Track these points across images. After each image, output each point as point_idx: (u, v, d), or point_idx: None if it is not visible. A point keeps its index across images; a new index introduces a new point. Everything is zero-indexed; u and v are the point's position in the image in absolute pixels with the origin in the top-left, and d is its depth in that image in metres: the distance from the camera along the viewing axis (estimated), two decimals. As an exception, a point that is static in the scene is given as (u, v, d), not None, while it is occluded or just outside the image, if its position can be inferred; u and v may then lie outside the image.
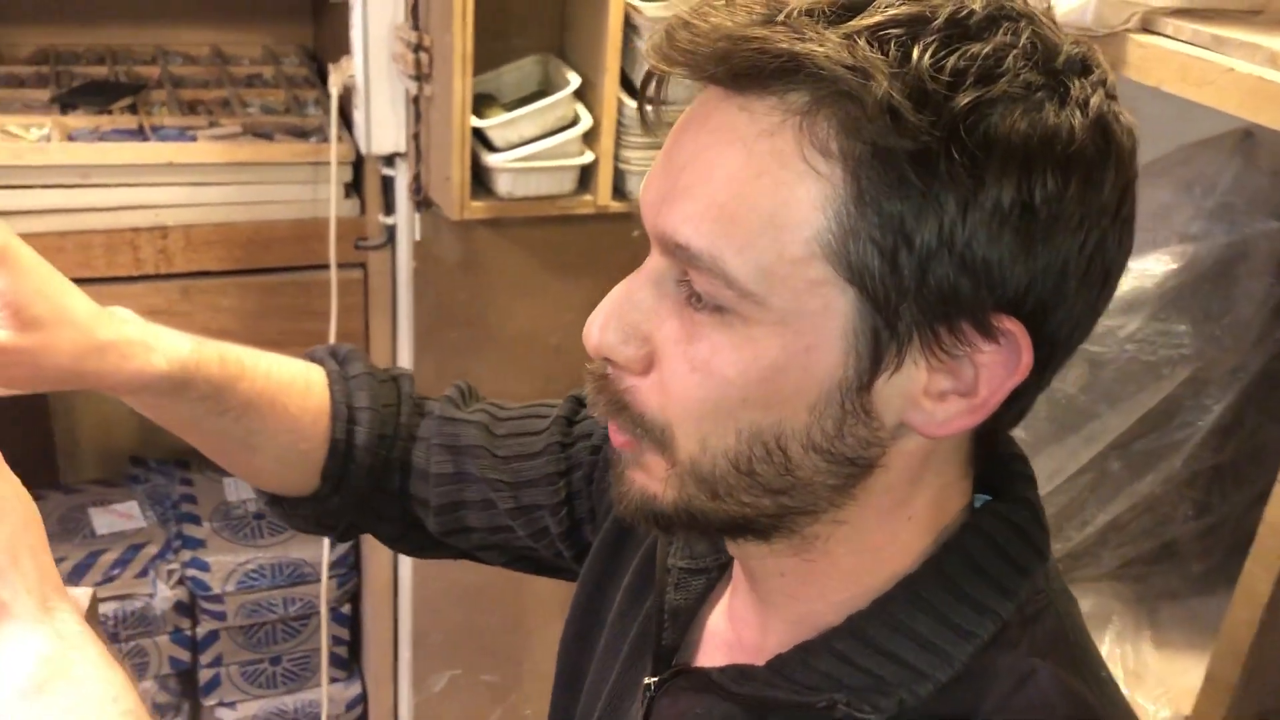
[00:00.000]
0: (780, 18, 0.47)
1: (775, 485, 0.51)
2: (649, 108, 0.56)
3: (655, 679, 0.64)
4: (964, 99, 0.45)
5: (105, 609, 1.79)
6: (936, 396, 0.49)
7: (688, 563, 0.66)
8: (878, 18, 0.46)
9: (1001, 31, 0.47)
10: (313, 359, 0.81)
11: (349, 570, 1.94)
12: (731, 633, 0.63)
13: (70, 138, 1.47)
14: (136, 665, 1.86)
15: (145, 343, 0.68)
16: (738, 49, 0.47)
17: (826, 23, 0.46)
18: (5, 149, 1.39)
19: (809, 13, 0.47)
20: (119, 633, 1.81)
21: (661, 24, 0.50)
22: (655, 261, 0.52)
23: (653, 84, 0.55)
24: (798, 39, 0.46)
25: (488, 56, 1.41)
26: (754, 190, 0.47)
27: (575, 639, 0.75)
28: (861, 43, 0.45)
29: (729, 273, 0.48)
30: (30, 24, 1.77)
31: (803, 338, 0.48)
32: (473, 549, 0.83)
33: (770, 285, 0.48)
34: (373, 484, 0.80)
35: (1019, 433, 1.12)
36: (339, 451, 0.78)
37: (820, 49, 0.45)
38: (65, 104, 1.55)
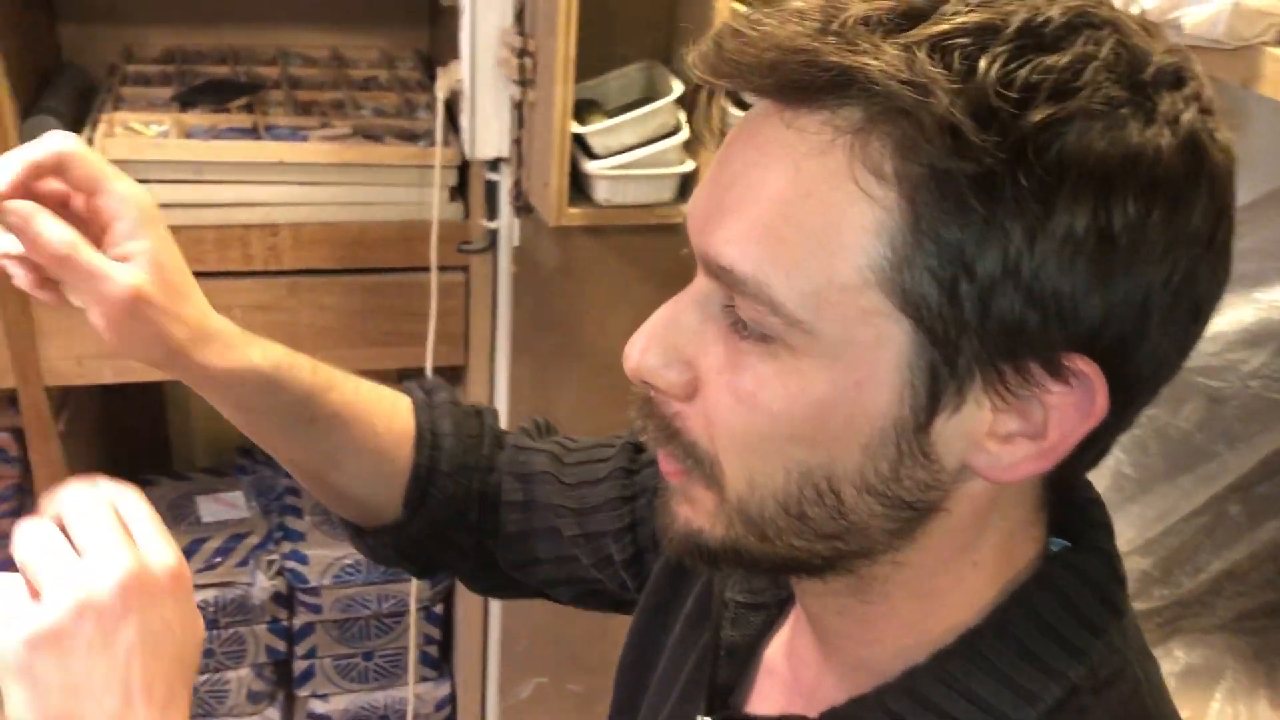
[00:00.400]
0: (834, 27, 0.43)
1: (828, 530, 0.48)
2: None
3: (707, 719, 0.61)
4: (1035, 116, 0.41)
5: (206, 595, 1.83)
6: (1002, 438, 0.46)
7: (746, 597, 0.63)
8: (941, 26, 0.42)
9: (1081, 41, 0.43)
10: (401, 390, 0.82)
11: (442, 571, 1.95)
12: (789, 672, 0.60)
13: (187, 135, 1.52)
14: (234, 653, 1.90)
15: (245, 337, 0.71)
16: (786, 61, 0.43)
17: (884, 32, 0.43)
18: (124, 144, 1.44)
19: (865, 21, 0.43)
20: (218, 619, 1.86)
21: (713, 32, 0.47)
22: (701, 283, 0.49)
23: (703, 96, 0.52)
24: (850, 51, 0.42)
25: (594, 63, 1.40)
26: (802, 212, 0.44)
27: (633, 665, 0.73)
28: (921, 55, 0.42)
29: (775, 298, 0.45)
30: (161, 25, 1.84)
31: (853, 371, 0.45)
32: (541, 583, 0.82)
33: (819, 312, 0.44)
34: (452, 513, 0.79)
35: (1127, 469, 1.06)
36: (421, 476, 0.78)
37: (874, 62, 0.42)
38: (185, 102, 1.60)
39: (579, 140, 1.38)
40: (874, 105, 0.42)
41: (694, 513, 0.51)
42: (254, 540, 1.92)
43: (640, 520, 0.76)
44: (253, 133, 1.55)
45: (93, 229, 0.65)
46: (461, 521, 0.80)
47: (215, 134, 1.53)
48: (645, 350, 0.50)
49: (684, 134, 1.37)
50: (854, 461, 0.46)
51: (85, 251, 0.62)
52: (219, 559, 1.88)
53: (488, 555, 0.81)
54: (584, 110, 1.43)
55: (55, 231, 0.61)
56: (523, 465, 0.80)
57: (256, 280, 1.57)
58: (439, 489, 0.78)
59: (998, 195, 0.41)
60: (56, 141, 0.63)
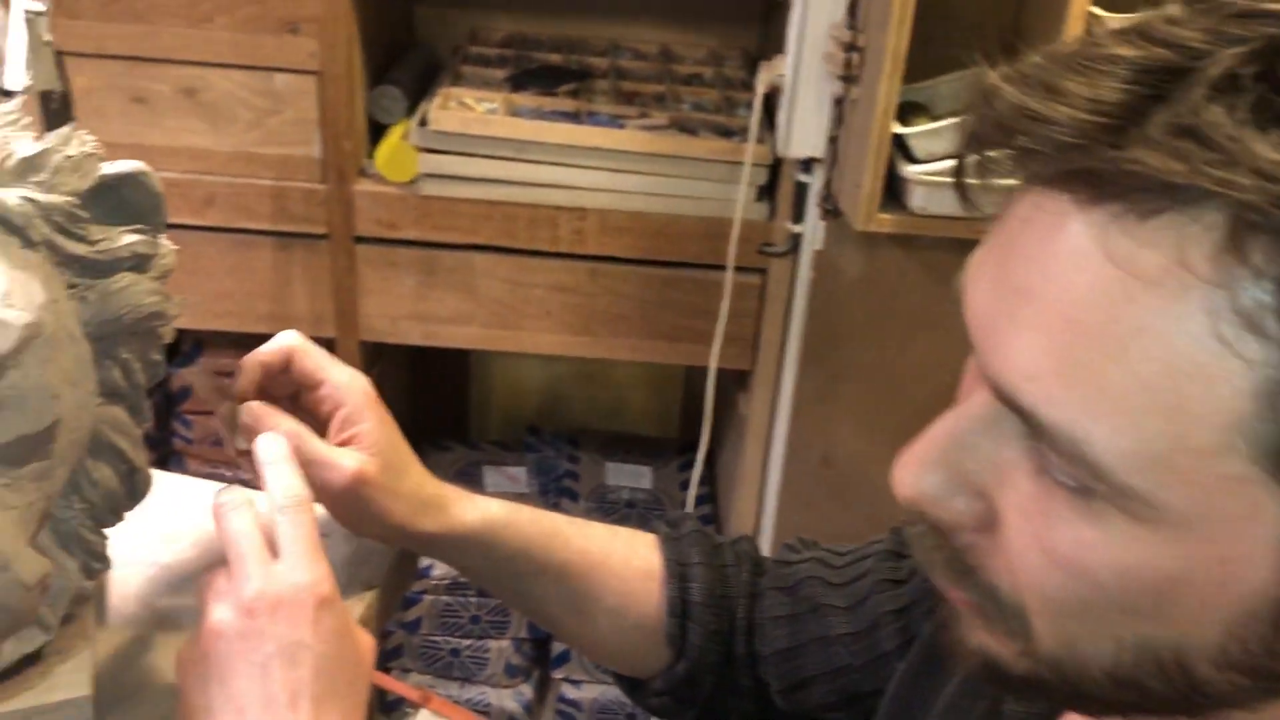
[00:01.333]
0: (1172, 107, 0.32)
1: (1170, 698, 0.39)
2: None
3: None
4: None
5: (478, 563, 1.88)
6: None
7: None
8: None
9: None
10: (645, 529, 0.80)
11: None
12: None
13: (514, 114, 1.56)
14: (499, 623, 1.94)
15: (461, 499, 0.71)
16: (1096, 167, 0.33)
17: (1253, 103, 0.31)
18: (454, 116, 1.50)
19: (1223, 86, 0.31)
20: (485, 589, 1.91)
21: (985, 83, 0.36)
22: (989, 401, 0.39)
23: (968, 160, 0.40)
24: (1205, 157, 0.31)
25: (927, 65, 1.32)
26: (1136, 353, 0.33)
27: None
28: None
29: (1096, 459, 0.35)
30: (507, 10, 1.92)
31: (1213, 547, 0.35)
32: (818, 709, 0.75)
33: (1161, 479, 0.34)
34: (718, 648, 0.75)
35: None
36: (676, 611, 0.74)
37: (1243, 180, 0.30)
38: (517, 83, 1.64)
39: (899, 144, 1.30)
40: (1236, 224, 0.31)
41: (993, 641, 0.42)
42: (529, 517, 1.95)
43: (914, 602, 0.68)
44: (574, 117, 1.58)
45: (320, 417, 0.68)
46: (730, 658, 0.75)
47: (539, 115, 1.57)
48: (922, 477, 0.41)
49: (1015, 145, 1.26)
50: (1213, 639, 0.37)
51: (310, 441, 0.65)
52: (494, 530, 1.93)
53: (764, 691, 0.76)
54: (909, 114, 1.34)
55: (281, 425, 0.64)
56: (787, 578, 0.75)
57: (560, 261, 1.59)
58: (698, 622, 0.74)
59: None
60: (284, 340, 0.68)
